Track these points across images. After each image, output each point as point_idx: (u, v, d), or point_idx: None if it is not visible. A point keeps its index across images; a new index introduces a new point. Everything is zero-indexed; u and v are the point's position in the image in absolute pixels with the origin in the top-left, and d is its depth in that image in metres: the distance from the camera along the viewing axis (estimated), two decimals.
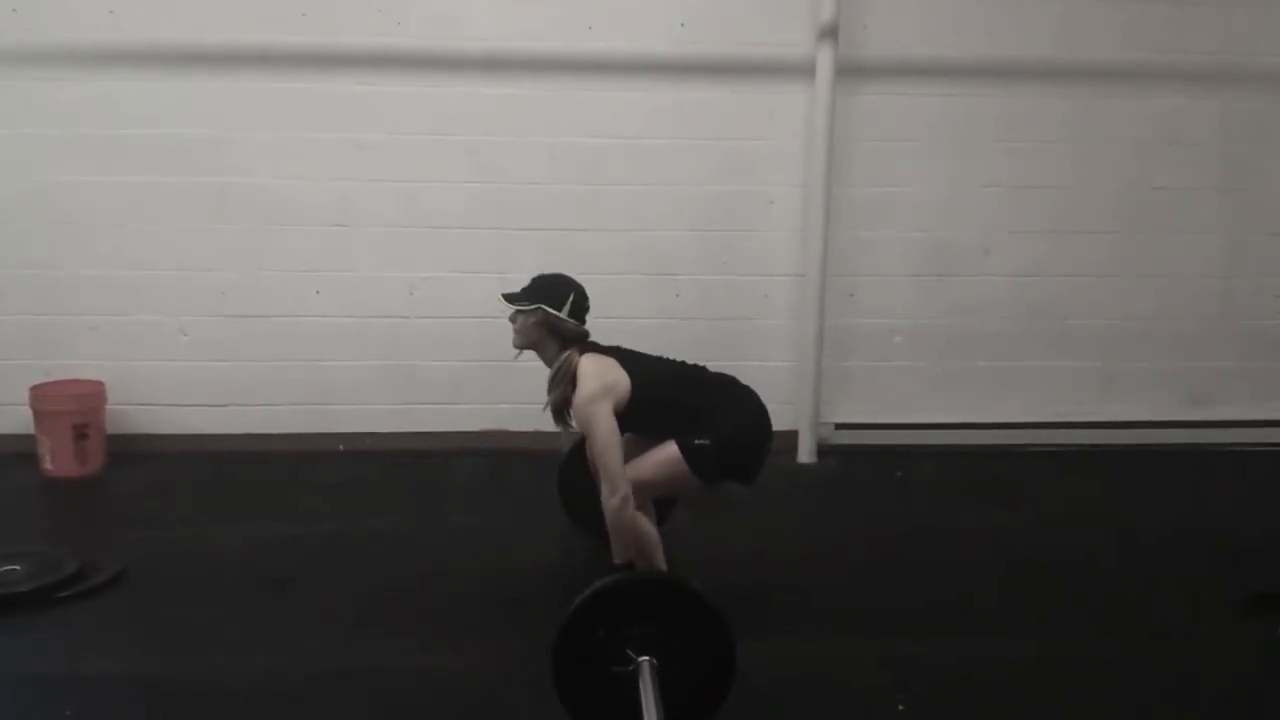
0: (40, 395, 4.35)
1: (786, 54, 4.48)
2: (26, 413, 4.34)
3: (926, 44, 4.54)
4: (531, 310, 2.92)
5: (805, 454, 4.70)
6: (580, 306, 2.97)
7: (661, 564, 2.97)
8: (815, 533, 3.91)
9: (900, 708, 2.66)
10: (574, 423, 2.94)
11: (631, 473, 2.87)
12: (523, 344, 2.99)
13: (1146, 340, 4.88)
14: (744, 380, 3.09)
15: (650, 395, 2.90)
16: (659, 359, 3.06)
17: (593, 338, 3.03)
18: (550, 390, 2.95)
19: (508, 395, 4.61)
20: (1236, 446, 4.84)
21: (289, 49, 4.36)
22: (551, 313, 2.91)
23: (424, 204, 4.53)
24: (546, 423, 3.69)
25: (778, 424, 4.58)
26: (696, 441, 2.87)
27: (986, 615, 3.21)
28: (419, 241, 4.56)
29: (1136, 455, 4.76)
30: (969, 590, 3.38)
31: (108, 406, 4.48)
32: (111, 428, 4.50)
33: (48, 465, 4.33)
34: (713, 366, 3.12)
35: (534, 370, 3.03)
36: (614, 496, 2.80)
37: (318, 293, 4.57)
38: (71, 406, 4.32)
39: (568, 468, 3.52)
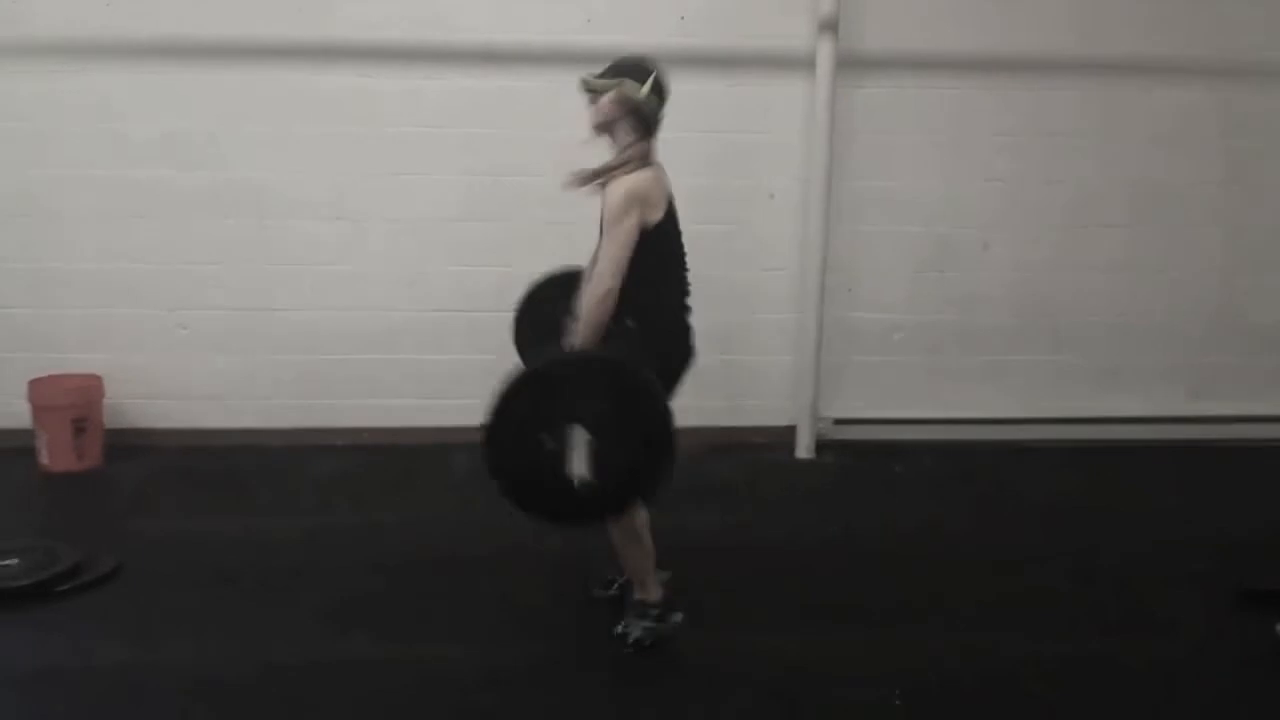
0: (38, 390, 4.35)
1: (786, 47, 4.46)
2: (24, 407, 4.34)
3: (926, 37, 4.52)
4: (614, 83, 2.88)
5: (804, 449, 4.70)
6: (661, 86, 2.95)
7: (647, 542, 2.92)
8: (813, 528, 3.90)
9: (897, 703, 2.66)
10: (600, 195, 2.86)
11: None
12: (599, 122, 2.94)
13: (1147, 335, 4.87)
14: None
15: (649, 252, 2.82)
16: (679, 237, 3.00)
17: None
18: (596, 172, 2.89)
19: None
20: (1237, 442, 4.83)
21: (285, 42, 4.34)
22: (632, 88, 2.89)
23: (421, 197, 4.52)
24: None
25: (776, 420, 4.67)
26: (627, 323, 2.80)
27: (984, 611, 3.20)
28: (416, 235, 4.55)
29: (1136, 451, 4.74)
30: (967, 586, 3.37)
31: (106, 401, 4.48)
32: (110, 422, 4.49)
33: (45, 460, 4.32)
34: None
35: None
36: (601, 286, 2.75)
37: (314, 287, 4.56)
38: (69, 401, 4.31)
39: (525, 312, 3.37)
